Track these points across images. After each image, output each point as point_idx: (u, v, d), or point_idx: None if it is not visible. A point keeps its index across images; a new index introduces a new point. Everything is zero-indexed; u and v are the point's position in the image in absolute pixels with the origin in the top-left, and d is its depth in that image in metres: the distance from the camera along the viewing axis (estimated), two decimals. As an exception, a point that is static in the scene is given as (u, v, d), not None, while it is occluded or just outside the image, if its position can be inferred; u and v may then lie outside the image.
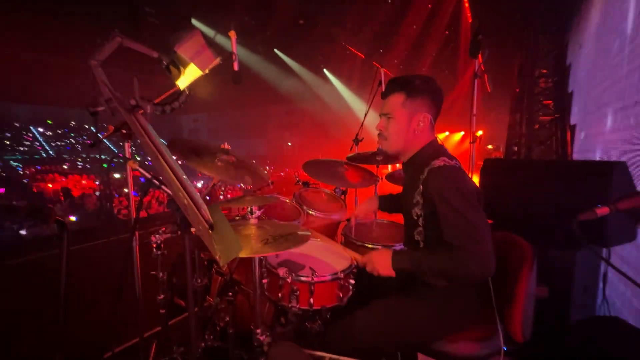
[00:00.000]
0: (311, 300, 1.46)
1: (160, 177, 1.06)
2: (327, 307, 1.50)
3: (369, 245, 1.96)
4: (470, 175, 1.42)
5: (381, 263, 1.38)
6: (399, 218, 2.20)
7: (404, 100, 1.40)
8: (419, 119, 1.40)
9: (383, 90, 2.73)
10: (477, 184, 1.36)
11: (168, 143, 2.01)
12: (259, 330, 1.41)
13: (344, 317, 1.42)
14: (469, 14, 7.25)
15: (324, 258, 1.70)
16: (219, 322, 1.86)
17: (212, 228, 0.86)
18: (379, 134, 1.51)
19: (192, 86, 1.45)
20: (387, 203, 1.89)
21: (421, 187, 1.35)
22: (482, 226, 1.23)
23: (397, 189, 2.70)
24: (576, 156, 4.22)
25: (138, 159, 1.21)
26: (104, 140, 1.53)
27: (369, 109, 2.91)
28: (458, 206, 1.23)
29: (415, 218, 1.39)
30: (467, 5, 7.10)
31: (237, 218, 1.94)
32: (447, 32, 8.72)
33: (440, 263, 1.26)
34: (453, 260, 1.23)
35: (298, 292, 1.46)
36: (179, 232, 1.03)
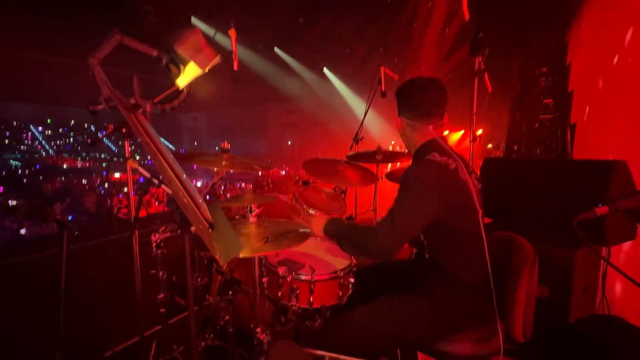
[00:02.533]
0: (311, 298, 1.47)
1: (160, 176, 1.06)
2: (327, 306, 1.50)
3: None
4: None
5: (316, 224, 1.50)
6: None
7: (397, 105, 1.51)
8: (398, 122, 1.50)
9: (382, 89, 2.76)
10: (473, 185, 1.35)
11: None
12: (258, 329, 1.41)
13: (344, 316, 1.42)
14: (466, 12, 7.23)
15: (324, 257, 1.70)
16: (219, 321, 1.86)
17: (212, 227, 0.86)
18: None
19: (191, 85, 1.45)
20: None
21: None
22: (409, 216, 1.28)
23: (396, 188, 2.70)
24: (576, 155, 4.21)
25: (137, 157, 1.21)
26: (104, 139, 1.53)
27: (368, 107, 2.90)
28: (403, 189, 1.31)
29: None
30: (464, 3, 7.08)
31: (237, 217, 1.94)
32: (447, 30, 8.71)
33: (355, 234, 1.39)
34: (364, 235, 1.35)
35: (298, 290, 1.46)
36: (179, 231, 1.02)
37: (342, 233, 1.44)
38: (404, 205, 1.28)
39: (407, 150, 1.58)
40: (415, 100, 1.45)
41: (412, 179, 1.31)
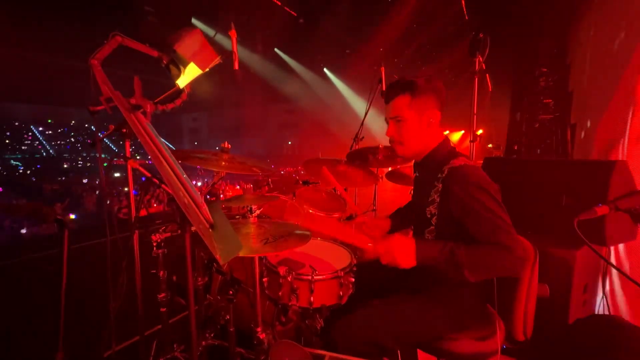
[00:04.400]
0: (311, 298, 1.47)
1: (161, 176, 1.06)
2: (327, 306, 1.50)
3: (369, 244, 1.96)
4: None
5: (403, 253, 1.26)
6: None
7: (410, 101, 1.39)
8: (429, 116, 1.40)
9: (383, 89, 2.76)
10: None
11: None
12: (259, 329, 1.41)
13: (344, 316, 1.42)
14: (465, 11, 7.22)
15: (324, 256, 1.70)
16: (219, 321, 1.86)
17: (212, 227, 0.87)
18: (391, 140, 1.49)
19: (192, 85, 1.45)
20: (398, 221, 1.82)
21: (440, 185, 1.34)
22: (510, 221, 1.24)
23: (397, 187, 2.71)
24: (576, 155, 4.22)
25: (138, 157, 1.21)
26: (104, 139, 1.53)
27: (369, 107, 2.91)
28: (489, 204, 1.23)
29: (429, 216, 1.38)
30: (463, 2, 7.07)
31: (237, 217, 1.94)
32: (447, 30, 8.71)
33: (482, 255, 1.21)
34: (497, 254, 1.20)
35: (298, 290, 1.46)
36: (179, 231, 1.02)
37: (453, 257, 1.21)
38: (500, 213, 1.22)
39: (406, 155, 1.49)
40: (444, 95, 1.41)
41: (482, 190, 1.25)
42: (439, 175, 1.34)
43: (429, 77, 1.41)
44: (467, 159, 1.36)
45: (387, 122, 1.48)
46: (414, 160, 1.56)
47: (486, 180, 1.29)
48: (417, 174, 1.56)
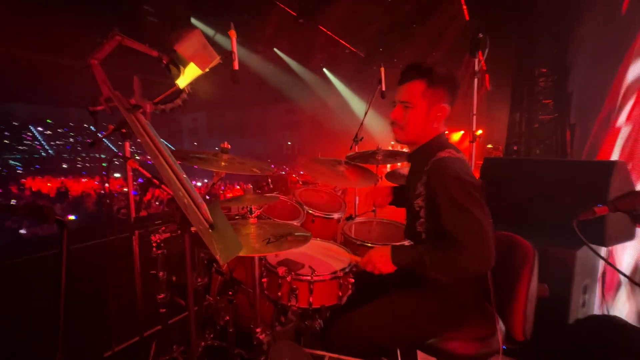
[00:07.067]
0: (311, 299, 1.47)
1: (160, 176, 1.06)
2: (327, 306, 1.50)
3: (369, 245, 1.96)
4: None
5: (380, 260, 1.34)
6: (399, 218, 2.20)
7: (425, 89, 1.34)
8: (438, 110, 1.36)
9: (383, 89, 2.76)
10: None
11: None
12: (258, 329, 1.41)
13: (343, 316, 1.42)
14: (466, 12, 7.22)
15: (323, 257, 1.70)
16: (218, 321, 1.86)
17: (212, 227, 0.87)
18: (392, 122, 1.45)
19: (191, 85, 1.45)
20: (398, 196, 1.81)
21: (424, 177, 1.33)
22: (484, 220, 1.21)
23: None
24: (576, 155, 4.22)
25: (137, 157, 1.21)
26: (104, 139, 1.53)
27: (368, 108, 2.90)
28: (460, 198, 1.21)
29: (417, 209, 1.38)
30: (463, 3, 7.07)
31: (237, 217, 1.94)
32: (447, 31, 8.72)
33: (442, 257, 1.24)
34: (454, 254, 1.21)
35: (297, 291, 1.46)
36: (179, 231, 1.02)
37: (421, 260, 1.26)
38: (471, 209, 1.20)
39: (402, 140, 1.46)
40: (457, 91, 1.38)
41: (457, 183, 1.22)
42: (425, 168, 1.34)
43: (449, 68, 1.36)
44: (455, 150, 1.35)
45: (394, 104, 1.43)
46: (408, 151, 1.54)
47: (465, 173, 1.26)
48: (410, 166, 1.55)
